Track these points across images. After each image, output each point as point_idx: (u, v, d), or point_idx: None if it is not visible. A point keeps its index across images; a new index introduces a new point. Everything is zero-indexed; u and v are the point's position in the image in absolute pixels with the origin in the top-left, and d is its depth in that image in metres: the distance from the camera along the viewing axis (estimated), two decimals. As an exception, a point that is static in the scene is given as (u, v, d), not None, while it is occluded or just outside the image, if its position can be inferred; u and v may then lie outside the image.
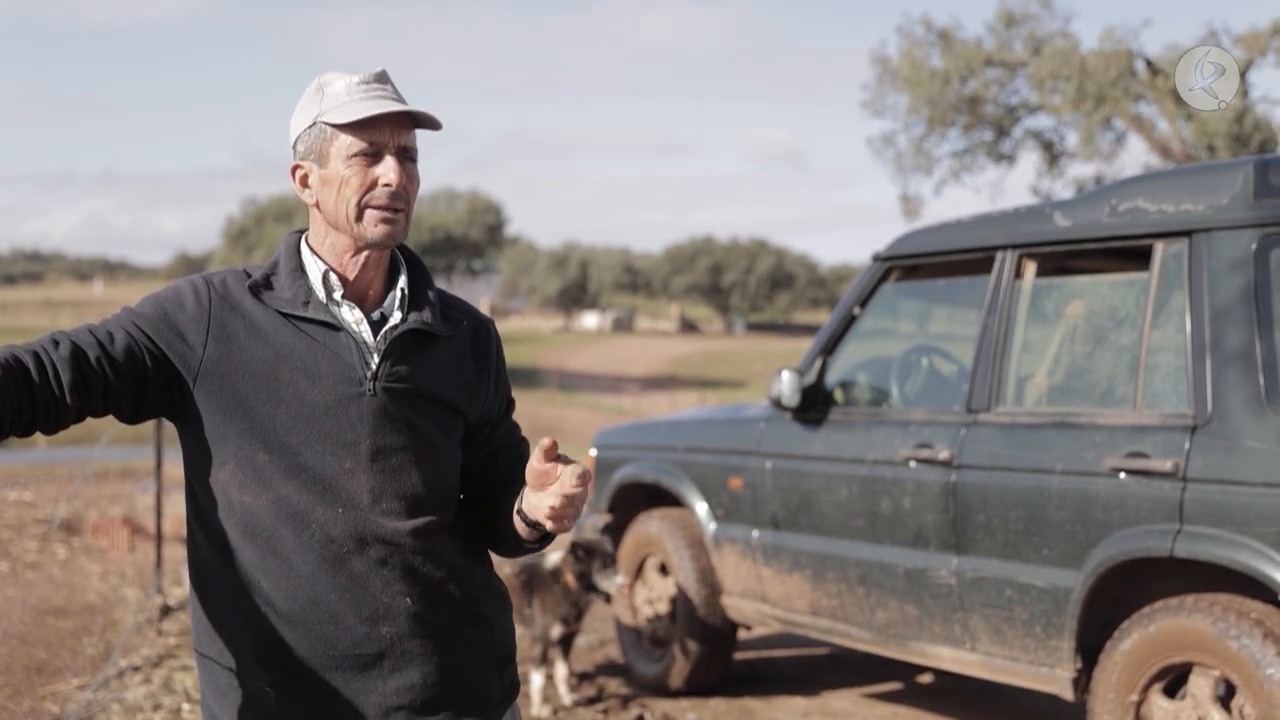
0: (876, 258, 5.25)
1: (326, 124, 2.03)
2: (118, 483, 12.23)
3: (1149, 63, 19.73)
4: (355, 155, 2.02)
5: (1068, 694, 4.25)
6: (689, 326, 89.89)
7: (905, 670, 6.31)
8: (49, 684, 5.75)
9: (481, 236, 67.18)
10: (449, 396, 2.13)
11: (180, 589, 7.93)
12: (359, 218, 2.04)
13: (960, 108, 21.37)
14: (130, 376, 1.97)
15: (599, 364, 56.13)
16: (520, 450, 2.27)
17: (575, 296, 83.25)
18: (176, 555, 8.85)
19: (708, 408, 7.03)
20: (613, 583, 5.52)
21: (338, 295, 2.08)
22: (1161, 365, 4.11)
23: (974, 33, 21.71)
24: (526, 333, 75.15)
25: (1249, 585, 3.82)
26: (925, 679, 6.22)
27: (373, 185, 2.03)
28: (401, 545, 2.04)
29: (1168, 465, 3.90)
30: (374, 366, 2.05)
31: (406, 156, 2.06)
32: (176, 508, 8.98)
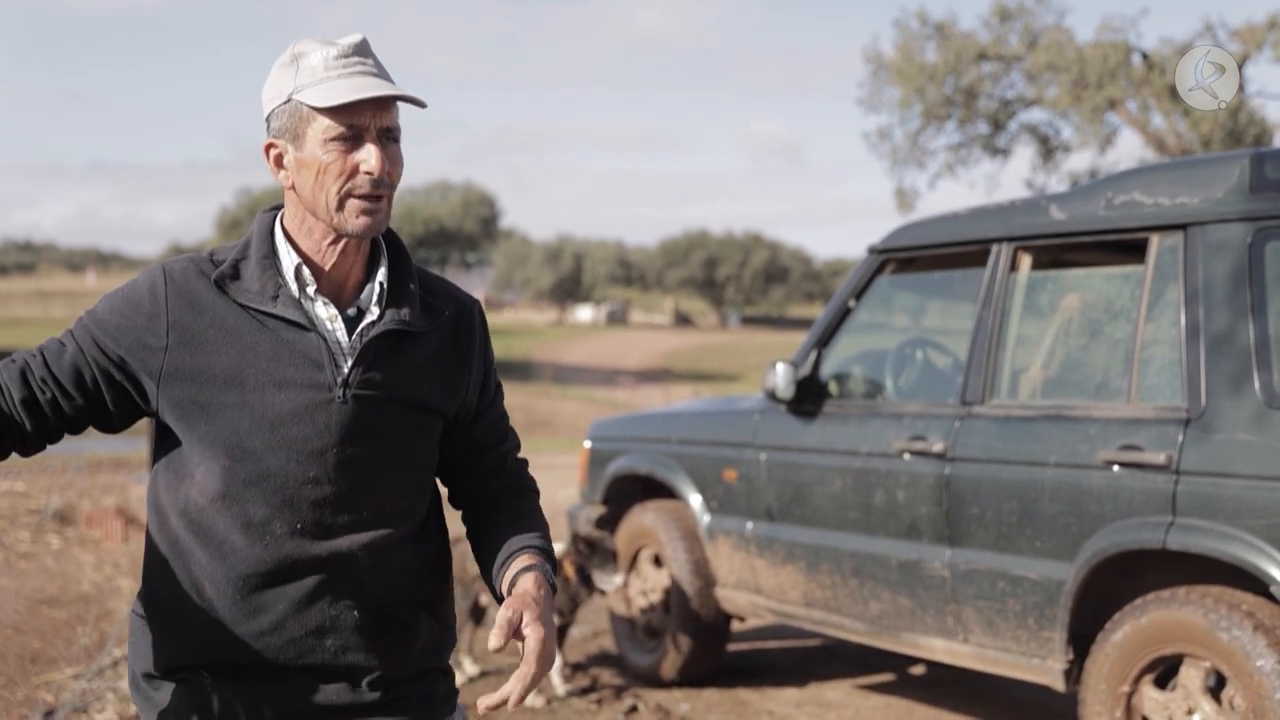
0: (872, 250, 5.25)
1: (303, 103, 1.89)
2: (111, 473, 12.21)
3: (1145, 56, 19.74)
4: (334, 139, 1.88)
5: (1059, 685, 4.26)
6: (683, 320, 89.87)
7: (898, 662, 6.33)
8: (43, 673, 5.75)
9: (475, 229, 67.12)
10: (426, 399, 2.02)
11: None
12: (339, 206, 1.90)
13: (955, 101, 21.38)
14: (77, 388, 1.91)
15: (593, 357, 56.10)
16: (499, 452, 2.18)
17: (569, 290, 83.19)
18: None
19: (702, 400, 7.04)
20: (610, 582, 5.52)
21: (311, 290, 1.95)
22: (1156, 358, 4.13)
23: (970, 27, 21.65)
24: (520, 326, 75.10)
25: (1241, 577, 3.84)
26: (918, 670, 6.24)
27: (354, 172, 1.89)
28: (357, 559, 1.96)
29: (1161, 458, 3.91)
30: (345, 371, 1.93)
31: (389, 138, 1.92)
32: (170, 498, 8.96)
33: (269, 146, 1.96)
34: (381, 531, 1.98)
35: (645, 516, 6.06)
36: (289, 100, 1.91)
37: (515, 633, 1.87)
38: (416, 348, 2.01)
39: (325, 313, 1.96)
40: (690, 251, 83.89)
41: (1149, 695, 3.97)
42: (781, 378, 5.20)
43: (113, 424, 1.97)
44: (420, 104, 1.94)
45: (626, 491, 6.31)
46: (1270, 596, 3.78)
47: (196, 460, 1.93)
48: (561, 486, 14.79)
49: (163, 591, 1.98)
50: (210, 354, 1.91)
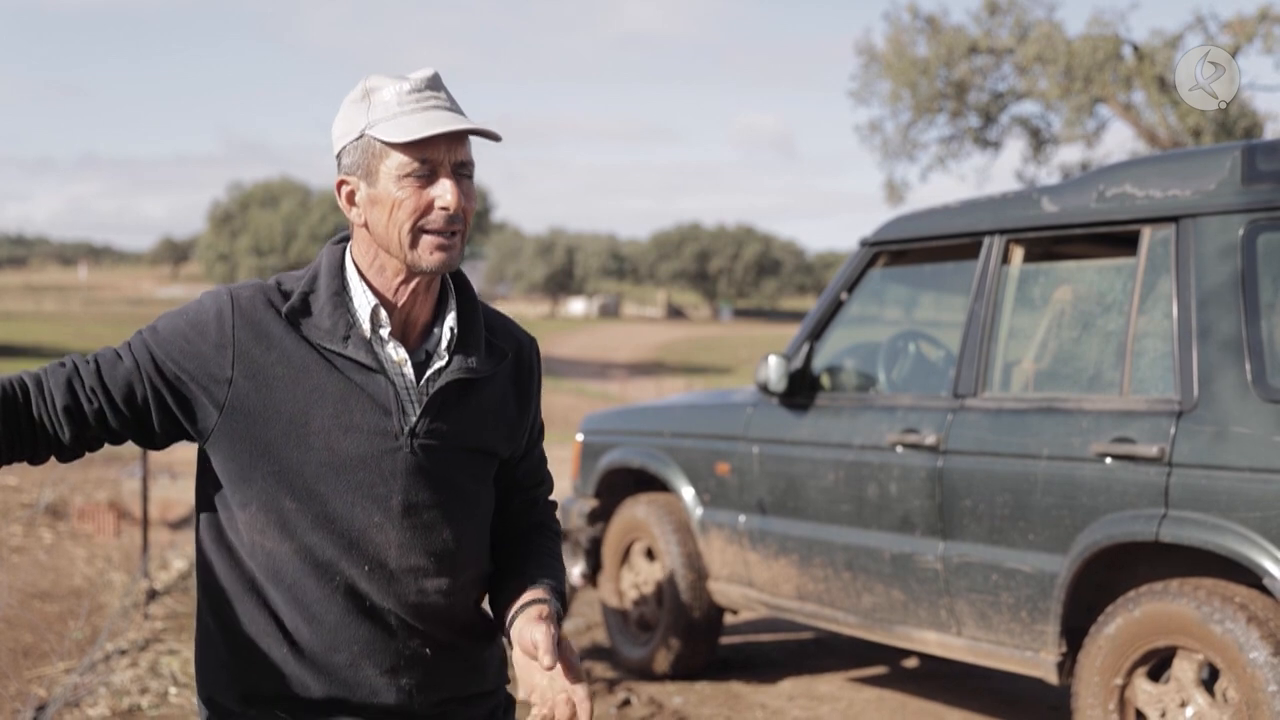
0: (864, 243, 5.25)
1: (376, 139, 1.85)
2: (103, 468, 12.19)
3: (1135, 48, 19.75)
4: (408, 175, 1.85)
5: (1052, 678, 4.27)
6: (676, 313, 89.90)
7: (891, 654, 6.34)
8: (35, 667, 5.74)
9: (468, 222, 67.04)
10: (488, 444, 2.02)
11: (166, 573, 7.92)
12: (414, 244, 1.86)
13: (946, 94, 21.39)
14: (127, 406, 1.87)
15: (586, 350, 56.09)
16: (536, 495, 2.19)
17: (562, 283, 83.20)
18: (162, 540, 8.85)
19: (695, 393, 7.04)
20: (572, 572, 5.49)
21: (384, 332, 1.92)
22: (1148, 351, 4.13)
23: (961, 20, 21.68)
24: (513, 319, 74.94)
25: (1234, 570, 3.84)
26: (911, 663, 6.25)
27: (428, 208, 1.85)
28: (426, 603, 1.95)
29: (1154, 450, 3.91)
30: (413, 420, 1.91)
31: (463, 173, 1.88)
32: (163, 492, 8.98)
33: (341, 184, 1.93)
34: (448, 577, 1.98)
35: (638, 510, 6.06)
36: (361, 136, 1.87)
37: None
38: (481, 393, 2.00)
39: (396, 355, 1.93)
40: (682, 244, 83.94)
41: (1142, 688, 3.97)
42: (774, 371, 5.19)
43: (154, 441, 1.94)
44: (495, 138, 1.91)
45: (619, 485, 6.30)
46: (1263, 589, 3.78)
47: (259, 499, 1.90)
48: (554, 480, 14.78)
49: (242, 629, 1.95)
50: (277, 392, 1.88)
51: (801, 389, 5.25)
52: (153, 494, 8.29)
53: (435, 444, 1.93)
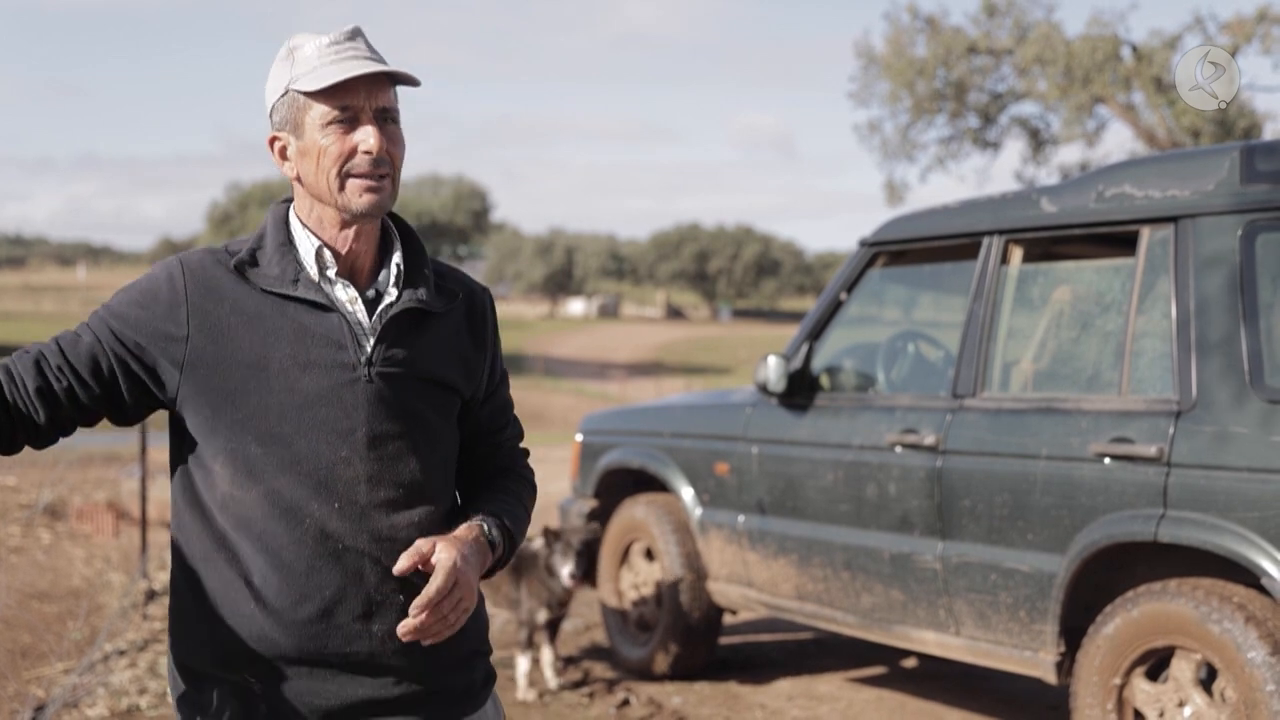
0: (863, 243, 5.25)
1: (298, 91, 1.93)
2: (102, 468, 12.18)
3: (1134, 49, 19.76)
4: (331, 123, 1.92)
5: (1051, 677, 4.27)
6: (675, 313, 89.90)
7: (890, 654, 6.34)
8: (34, 668, 5.74)
9: (467, 222, 67.10)
10: (446, 377, 2.05)
11: (165, 574, 7.91)
12: (341, 188, 1.93)
13: (946, 95, 21.39)
14: (93, 378, 1.91)
15: (585, 350, 56.11)
16: (500, 439, 2.21)
17: (561, 283, 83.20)
18: (161, 540, 8.84)
19: (694, 393, 7.04)
20: (562, 572, 5.49)
21: (331, 273, 1.98)
22: (1147, 351, 4.13)
23: (960, 21, 21.67)
24: (512, 319, 75.02)
25: (1232, 570, 3.84)
26: (910, 663, 6.25)
27: (352, 153, 1.92)
28: (397, 539, 1.96)
29: (1152, 450, 3.91)
30: (369, 350, 1.96)
31: (386, 118, 1.95)
32: (161, 493, 8.97)
33: (273, 140, 1.99)
34: (417, 510, 1.99)
35: (637, 510, 6.06)
36: (286, 92, 1.95)
37: (426, 562, 1.91)
38: (434, 327, 2.05)
39: (346, 294, 1.99)
40: (682, 244, 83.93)
41: (1140, 687, 3.97)
42: (773, 371, 5.20)
43: (127, 415, 1.97)
44: (414, 82, 1.97)
45: (618, 485, 6.30)
46: (1261, 589, 3.78)
47: (226, 449, 1.93)
48: (553, 480, 14.78)
49: (209, 587, 1.96)
50: (233, 340, 1.92)
51: (801, 389, 5.25)
52: (151, 494, 8.28)
53: (394, 372, 1.97)
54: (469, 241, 71.78)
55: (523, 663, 5.65)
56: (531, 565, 5.66)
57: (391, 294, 2.01)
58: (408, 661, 1.99)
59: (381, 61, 1.95)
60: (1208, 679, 3.86)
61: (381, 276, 2.03)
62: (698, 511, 5.71)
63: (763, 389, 5.25)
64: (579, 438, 6.53)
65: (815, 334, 5.30)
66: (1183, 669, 3.88)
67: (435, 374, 2.03)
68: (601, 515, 6.32)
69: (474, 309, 2.13)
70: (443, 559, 1.90)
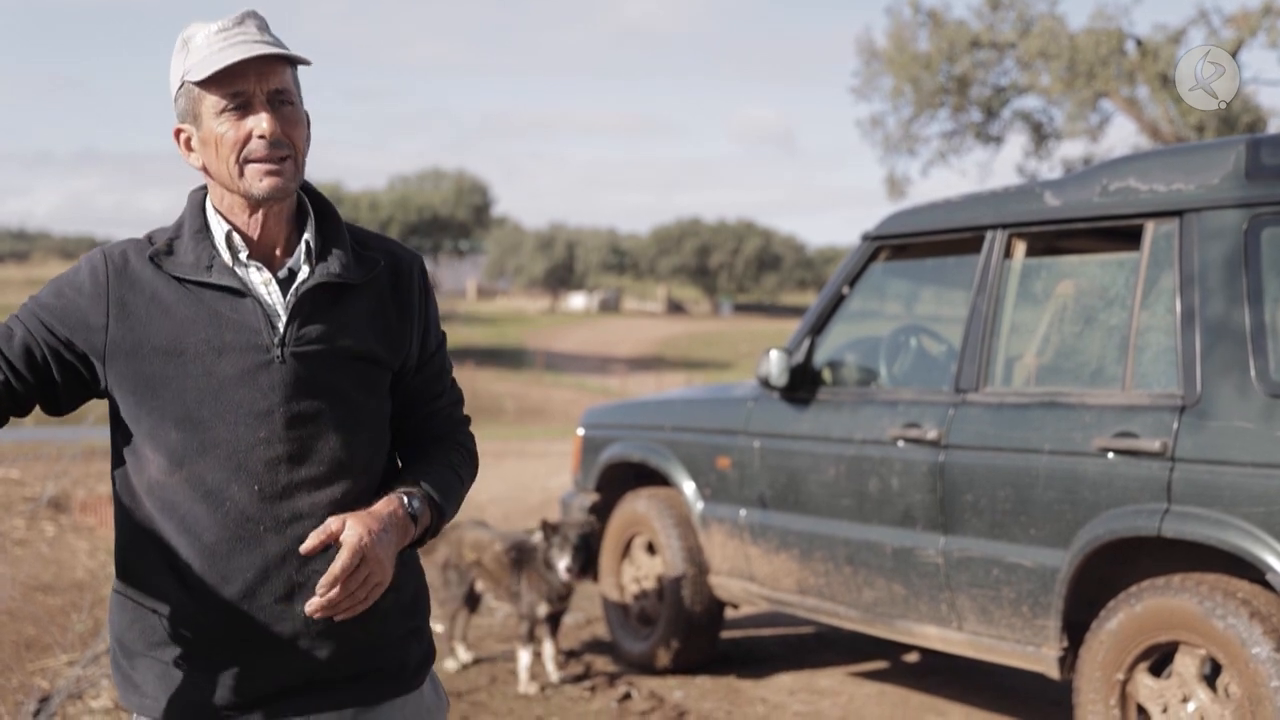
0: (865, 237, 5.24)
1: (191, 82, 1.95)
2: (104, 461, 12.14)
3: (1139, 43, 19.73)
4: (224, 110, 1.94)
5: (1054, 673, 4.26)
6: (676, 308, 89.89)
7: (892, 649, 6.33)
8: (38, 659, 5.75)
9: (468, 217, 67.09)
10: (367, 350, 2.04)
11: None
12: (241, 174, 1.95)
13: (948, 89, 21.36)
14: (29, 371, 1.94)
15: (586, 345, 56.13)
16: (436, 407, 2.20)
17: (562, 277, 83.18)
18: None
19: (695, 387, 7.03)
20: (559, 566, 5.49)
21: (243, 256, 2.00)
22: (1151, 345, 4.12)
23: (962, 15, 21.66)
24: (513, 313, 75.04)
25: (1236, 565, 3.83)
26: (912, 658, 6.24)
27: (248, 139, 1.94)
28: (319, 518, 1.96)
29: (1156, 445, 3.90)
30: (281, 330, 1.97)
31: (281, 100, 1.96)
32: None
33: (178, 132, 2.02)
34: (340, 486, 2.00)
35: (639, 504, 6.05)
36: (182, 84, 1.97)
37: (335, 539, 1.91)
38: (353, 300, 2.04)
39: (259, 277, 2.00)
40: (683, 239, 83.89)
41: (1144, 683, 3.97)
42: (775, 365, 5.19)
43: (60, 405, 2.01)
44: (303, 61, 1.99)
45: (620, 479, 6.30)
46: (1266, 584, 3.77)
47: (150, 435, 1.96)
48: (555, 474, 14.79)
49: (138, 570, 2.01)
50: (149, 328, 1.95)
51: (803, 383, 5.24)
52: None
53: (309, 350, 1.98)
54: (470, 236, 71.78)
55: (524, 656, 5.65)
56: (531, 559, 5.66)
57: (304, 271, 2.02)
58: (334, 642, 2.01)
59: (270, 45, 1.96)
60: (1212, 675, 3.85)
61: (294, 256, 2.04)
62: (699, 505, 5.70)
63: (765, 383, 5.25)
64: (580, 432, 6.52)
65: (817, 328, 5.29)
66: (1187, 665, 3.87)
67: (354, 348, 2.03)
68: (603, 509, 6.31)
69: (400, 276, 2.12)
70: (349, 536, 1.90)
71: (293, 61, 1.98)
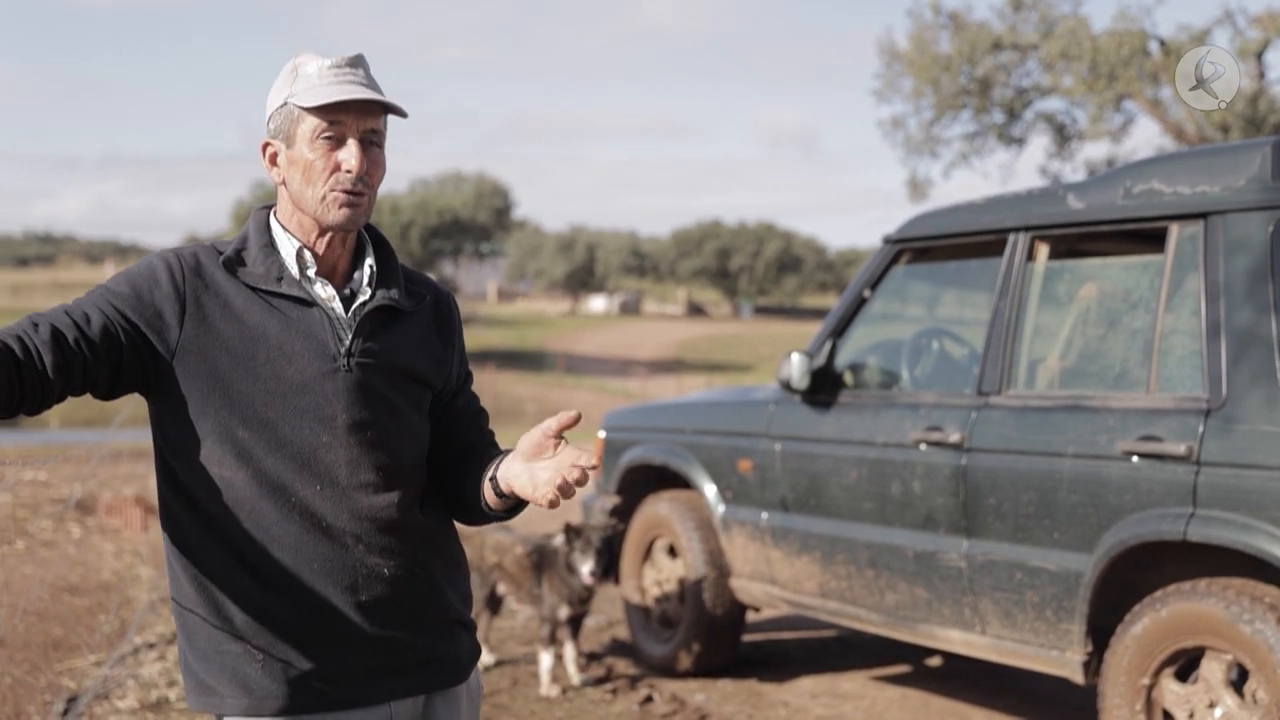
0: (887, 240, 5.23)
1: (295, 105, 2.07)
2: (131, 463, 12.26)
3: (1162, 43, 19.62)
4: (320, 138, 2.06)
5: (1078, 677, 4.24)
6: (696, 310, 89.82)
7: (914, 653, 6.32)
8: (65, 660, 5.78)
9: (489, 219, 67.17)
10: (418, 369, 2.19)
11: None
12: (321, 200, 2.07)
13: (970, 91, 21.29)
14: (107, 355, 1.99)
15: (606, 347, 56.15)
16: (479, 421, 2.33)
17: (582, 280, 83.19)
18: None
19: (716, 390, 7.02)
20: (582, 570, 5.49)
21: (311, 272, 2.12)
22: (1175, 348, 4.10)
23: (984, 16, 21.57)
24: (534, 316, 75.13)
25: (1263, 569, 3.81)
26: (934, 662, 6.22)
27: (335, 169, 2.06)
28: (378, 517, 2.10)
29: (1181, 449, 3.88)
30: (347, 342, 2.10)
31: (371, 142, 2.10)
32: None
33: (265, 145, 2.14)
34: (393, 493, 2.12)
35: (660, 506, 6.05)
36: (285, 104, 2.09)
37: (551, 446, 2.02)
38: (405, 324, 2.19)
39: (325, 292, 2.13)
40: (703, 241, 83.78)
41: (1170, 688, 3.95)
42: (796, 368, 5.18)
43: (114, 391, 2.05)
44: (401, 113, 2.12)
45: (641, 481, 6.30)
46: (1291, 588, 3.75)
47: (215, 432, 2.04)
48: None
49: (204, 568, 2.07)
50: (223, 330, 2.05)
51: (824, 386, 5.23)
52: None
53: (370, 363, 2.11)
54: (491, 238, 71.87)
55: (546, 659, 5.65)
56: (553, 562, 5.66)
57: (366, 293, 2.16)
58: (394, 632, 2.12)
59: (377, 90, 2.10)
60: (1238, 680, 3.83)
61: (356, 277, 2.18)
62: (720, 508, 5.70)
63: (786, 386, 5.24)
64: (601, 434, 6.53)
65: (839, 331, 5.28)
66: (1213, 670, 3.85)
67: (408, 366, 2.17)
68: (624, 512, 6.32)
69: (440, 310, 2.28)
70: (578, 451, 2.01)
71: (390, 110, 2.11)
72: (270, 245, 2.12)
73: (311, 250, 2.13)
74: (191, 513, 2.07)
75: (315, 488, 2.06)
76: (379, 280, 2.18)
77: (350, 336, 2.10)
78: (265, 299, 2.08)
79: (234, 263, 2.09)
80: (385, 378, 2.13)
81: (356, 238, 2.20)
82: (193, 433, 2.05)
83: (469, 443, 2.28)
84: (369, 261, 2.18)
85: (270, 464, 2.04)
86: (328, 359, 2.08)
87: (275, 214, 2.17)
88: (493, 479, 2.14)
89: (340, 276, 2.16)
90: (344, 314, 2.12)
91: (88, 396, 2.06)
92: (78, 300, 2.04)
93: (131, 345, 2.01)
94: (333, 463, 2.07)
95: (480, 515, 2.22)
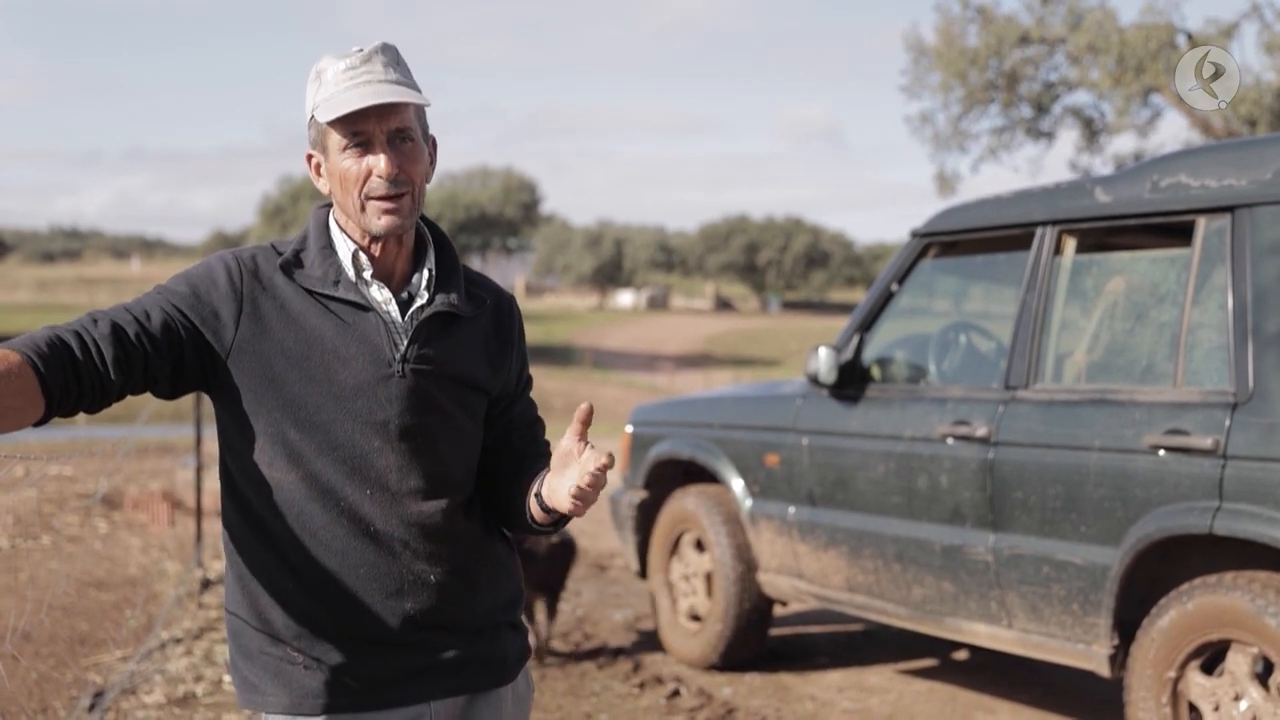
0: (915, 234, 5.23)
1: (319, 120, 2.06)
2: (157, 458, 12.34)
3: (1190, 37, 19.48)
4: (346, 148, 2.04)
5: (1104, 671, 4.24)
6: (724, 305, 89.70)
7: (941, 647, 6.31)
8: (92, 655, 5.83)
9: (516, 214, 67.19)
10: (473, 376, 2.16)
11: (220, 563, 8.01)
12: (362, 209, 2.06)
13: (998, 85, 21.19)
14: (168, 352, 1.99)
15: (634, 342, 56.13)
16: (534, 430, 2.30)
17: (610, 275, 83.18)
18: (216, 530, 8.93)
19: (744, 385, 7.03)
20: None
21: (367, 275, 2.10)
22: (1202, 342, 4.09)
23: (1012, 9, 21.47)
24: (561, 311, 75.18)
25: (1289, 563, 3.80)
26: (961, 655, 6.22)
27: (368, 176, 2.04)
28: (426, 523, 2.09)
29: (1208, 442, 3.87)
30: (402, 348, 2.08)
31: (400, 138, 2.06)
32: (216, 483, 9.06)
33: (309, 157, 2.14)
34: (442, 500, 2.11)
35: (687, 501, 6.07)
36: (312, 117, 2.09)
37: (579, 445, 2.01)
38: (463, 329, 2.16)
39: (381, 295, 2.10)
40: (730, 236, 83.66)
41: (1196, 681, 3.94)
42: (824, 362, 5.19)
43: (175, 390, 2.06)
44: (419, 103, 2.07)
45: (668, 476, 6.32)
46: (1319, 582, 3.74)
47: (267, 432, 2.04)
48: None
49: (251, 567, 2.08)
50: (279, 332, 2.04)
51: (851, 381, 5.23)
52: (206, 484, 8.38)
53: (425, 369, 2.09)
54: (518, 233, 71.93)
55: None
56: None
57: (424, 297, 2.13)
58: (435, 635, 2.12)
59: (394, 83, 2.05)
60: (1264, 673, 3.82)
61: (414, 280, 2.15)
62: (748, 503, 5.71)
63: (813, 380, 5.24)
64: (629, 429, 6.54)
65: (866, 325, 5.28)
66: (1239, 663, 3.84)
67: (463, 373, 2.14)
68: (651, 506, 6.33)
69: (501, 314, 2.25)
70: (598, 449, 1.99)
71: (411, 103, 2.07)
72: (329, 247, 2.11)
73: (367, 253, 2.10)
74: (242, 514, 2.08)
75: (365, 492, 2.05)
76: (438, 284, 2.14)
77: (406, 342, 2.08)
78: (322, 302, 2.07)
79: (292, 265, 2.08)
80: (440, 384, 2.10)
81: (417, 237, 2.17)
82: (247, 433, 2.05)
83: (520, 452, 2.25)
84: (429, 265, 2.15)
85: (320, 467, 2.04)
86: (382, 364, 2.06)
87: (333, 213, 2.16)
88: (538, 495, 2.11)
89: (399, 279, 2.14)
90: (399, 318, 2.10)
91: None
92: (137, 299, 2.03)
93: (191, 343, 2.01)
94: (383, 468, 2.06)
95: (525, 527, 2.20)
